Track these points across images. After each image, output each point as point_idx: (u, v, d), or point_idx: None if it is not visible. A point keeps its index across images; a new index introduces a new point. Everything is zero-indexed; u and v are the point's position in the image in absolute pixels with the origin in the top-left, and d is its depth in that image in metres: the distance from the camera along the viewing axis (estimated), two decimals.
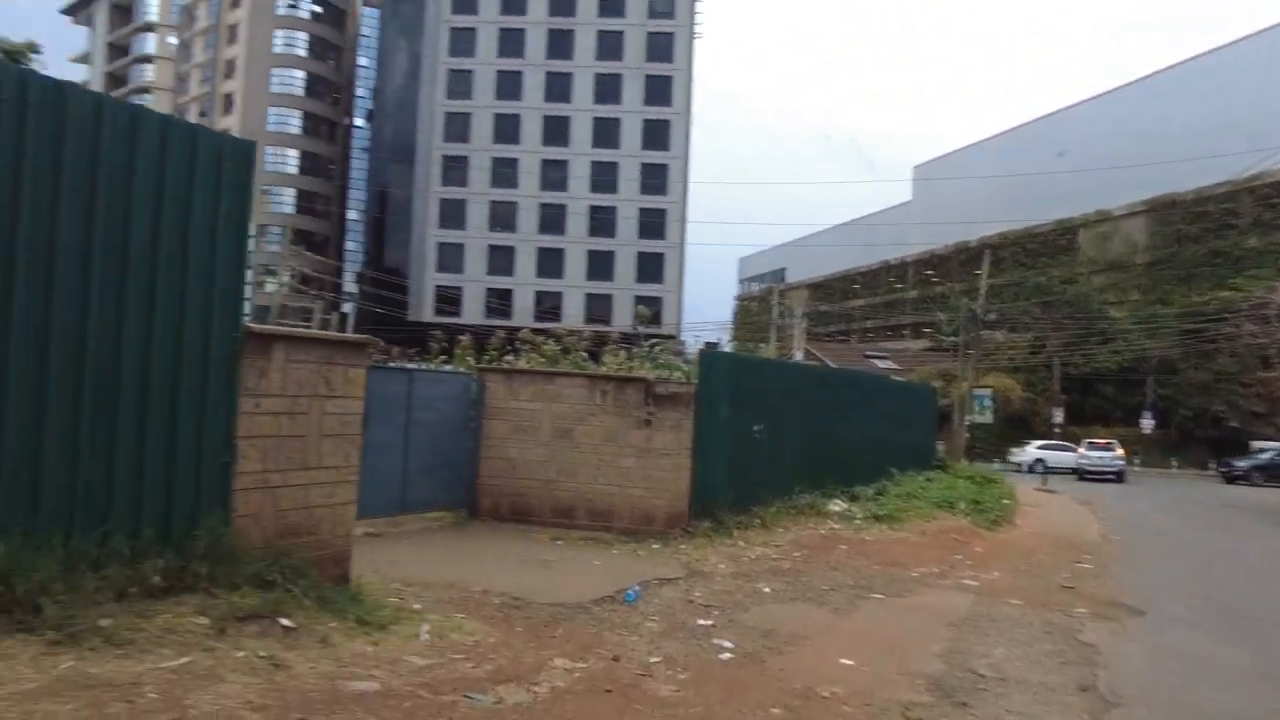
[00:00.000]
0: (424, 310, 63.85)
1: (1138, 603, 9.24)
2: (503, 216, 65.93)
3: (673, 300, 64.59)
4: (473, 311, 62.96)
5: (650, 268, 64.91)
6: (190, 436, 5.28)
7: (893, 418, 18.68)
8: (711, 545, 10.53)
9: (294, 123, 72.47)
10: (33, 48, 26.85)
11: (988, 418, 36.75)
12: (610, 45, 65.80)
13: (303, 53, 73.02)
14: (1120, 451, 35.70)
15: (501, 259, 65.85)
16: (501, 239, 65.82)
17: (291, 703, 4.02)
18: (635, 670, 5.64)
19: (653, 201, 65.01)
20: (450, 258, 66.33)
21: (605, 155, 65.36)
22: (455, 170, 66.43)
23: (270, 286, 61.21)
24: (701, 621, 7.16)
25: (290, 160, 72.16)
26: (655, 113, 65.23)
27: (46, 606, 4.27)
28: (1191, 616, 8.86)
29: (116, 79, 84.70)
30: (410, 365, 14.16)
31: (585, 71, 65.86)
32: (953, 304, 44.58)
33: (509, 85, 66.17)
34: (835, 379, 18.26)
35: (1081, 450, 36.49)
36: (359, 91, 77.12)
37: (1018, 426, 43.01)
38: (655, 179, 65.02)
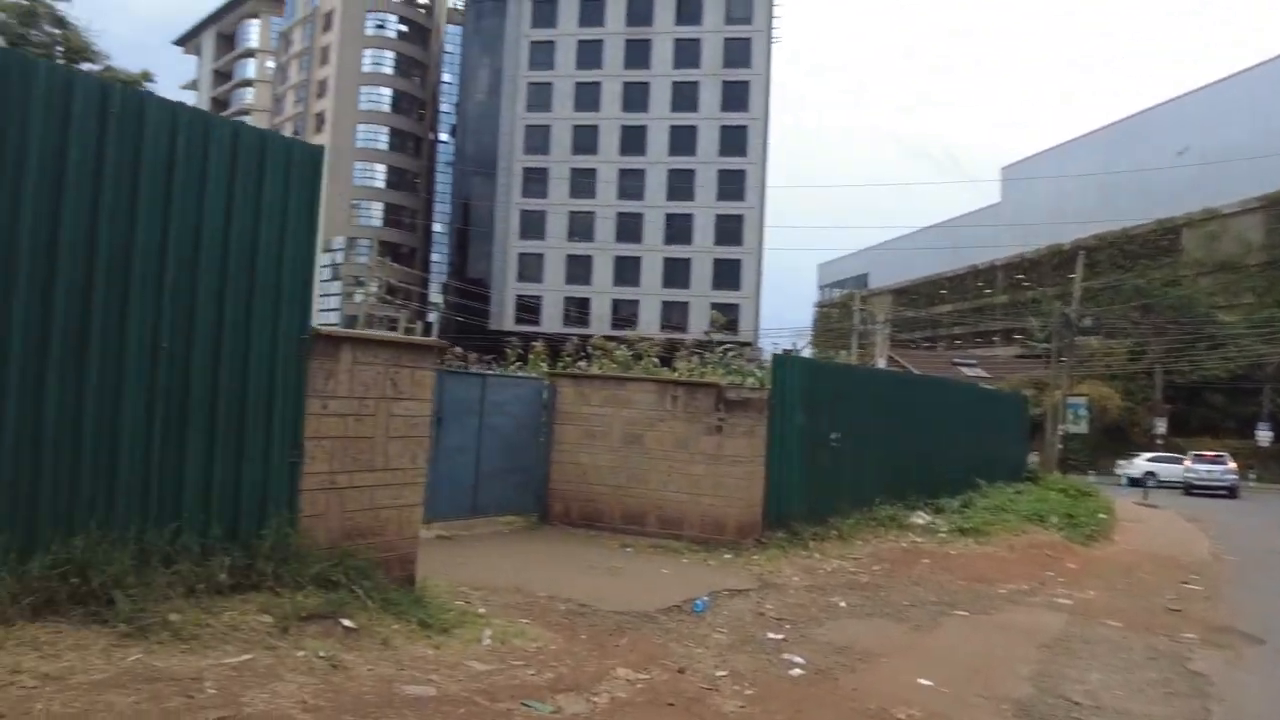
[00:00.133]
0: (505, 319, 65.02)
1: (1255, 629, 8.46)
2: (581, 226, 66.66)
3: (750, 307, 63.91)
4: (551, 320, 63.76)
5: (727, 274, 64.43)
6: (259, 436, 5.36)
7: (980, 427, 17.91)
8: (785, 556, 10.22)
9: (382, 139, 75.02)
10: (147, 76, 28.80)
11: (1082, 427, 34.96)
12: (687, 53, 65.82)
13: (390, 71, 75.56)
14: (1233, 465, 33.18)
15: (579, 268, 66.54)
16: (579, 248, 66.52)
17: (345, 705, 3.99)
18: (700, 684, 5.44)
19: (730, 208, 64.59)
20: (530, 267, 67.44)
21: (682, 163, 65.32)
22: (535, 182, 67.55)
23: (359, 296, 63.33)
24: (772, 635, 6.90)
25: (378, 175, 74.69)
26: (732, 118, 64.85)
27: (119, 599, 4.37)
28: None
29: (220, 103, 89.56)
30: (481, 370, 14.31)
31: (662, 80, 66.04)
32: (1045, 309, 42.68)
33: (587, 96, 66.95)
34: (918, 386, 17.60)
35: (1188, 463, 34.06)
36: (443, 107, 79.38)
37: (1115, 437, 40.77)
38: (732, 185, 64.59)
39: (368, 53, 74.75)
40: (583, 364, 14.26)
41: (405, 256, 73.24)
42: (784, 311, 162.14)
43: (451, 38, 79.50)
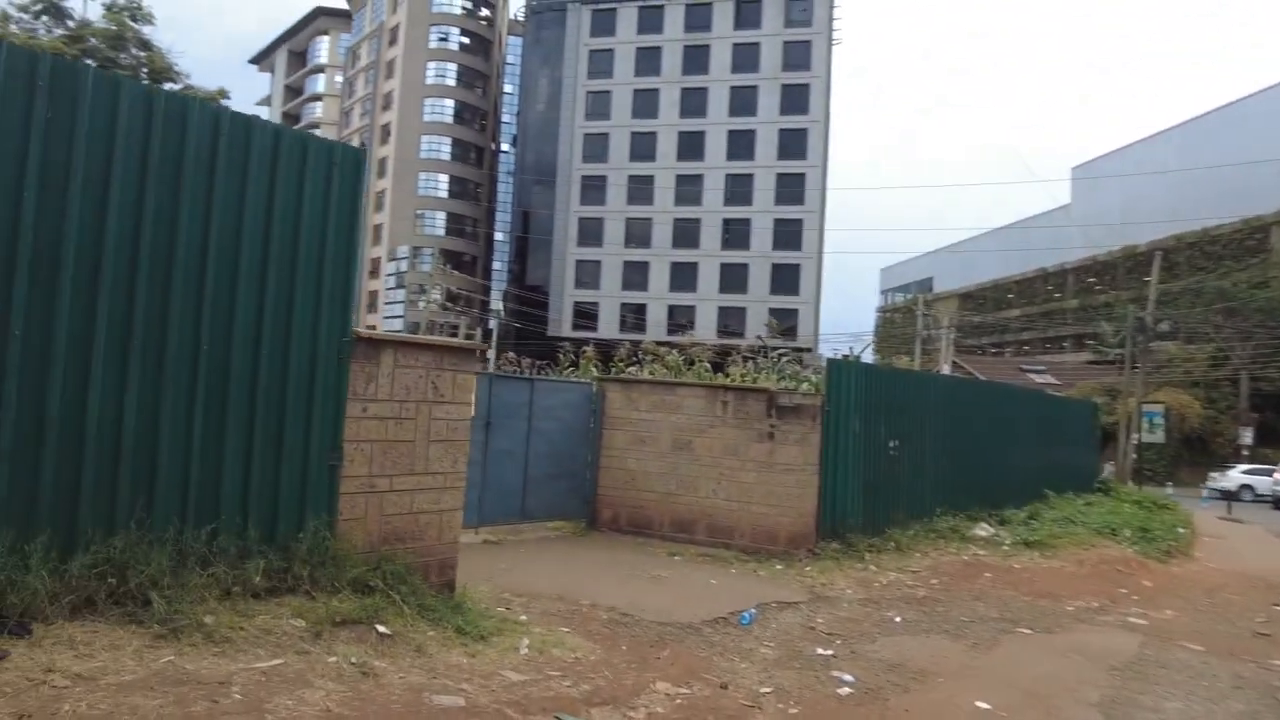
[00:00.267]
0: (563, 325, 65.41)
1: None
2: (638, 233, 66.74)
3: (809, 312, 62.97)
4: (608, 326, 63.93)
5: (785, 279, 63.63)
6: (298, 438, 5.35)
7: (1048, 436, 17.16)
8: (839, 568, 9.90)
9: (444, 150, 76.39)
10: (223, 93, 30.27)
11: (1159, 437, 33.34)
12: (746, 57, 65.39)
13: (452, 83, 76.93)
14: None
15: (636, 274, 66.57)
16: (637, 255, 66.59)
17: (369, 714, 3.91)
18: (742, 700, 5.23)
19: (789, 212, 63.81)
20: (588, 274, 67.78)
21: (740, 168, 64.85)
22: (593, 189, 67.93)
23: (421, 304, 64.58)
24: (821, 651, 6.63)
25: (441, 185, 76.07)
26: (791, 122, 64.12)
27: (155, 600, 4.38)
28: None
29: (292, 117, 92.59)
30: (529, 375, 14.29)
31: (720, 85, 65.74)
32: (1118, 313, 40.89)
33: (645, 104, 67.07)
34: (982, 393, 16.95)
35: (1278, 475, 32.25)
36: (504, 117, 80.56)
37: (1195, 448, 38.76)
38: (791, 189, 63.82)
39: (431, 65, 76.26)
40: (634, 369, 14.13)
41: (467, 265, 74.41)
42: (846, 317, 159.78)
43: (513, 49, 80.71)
